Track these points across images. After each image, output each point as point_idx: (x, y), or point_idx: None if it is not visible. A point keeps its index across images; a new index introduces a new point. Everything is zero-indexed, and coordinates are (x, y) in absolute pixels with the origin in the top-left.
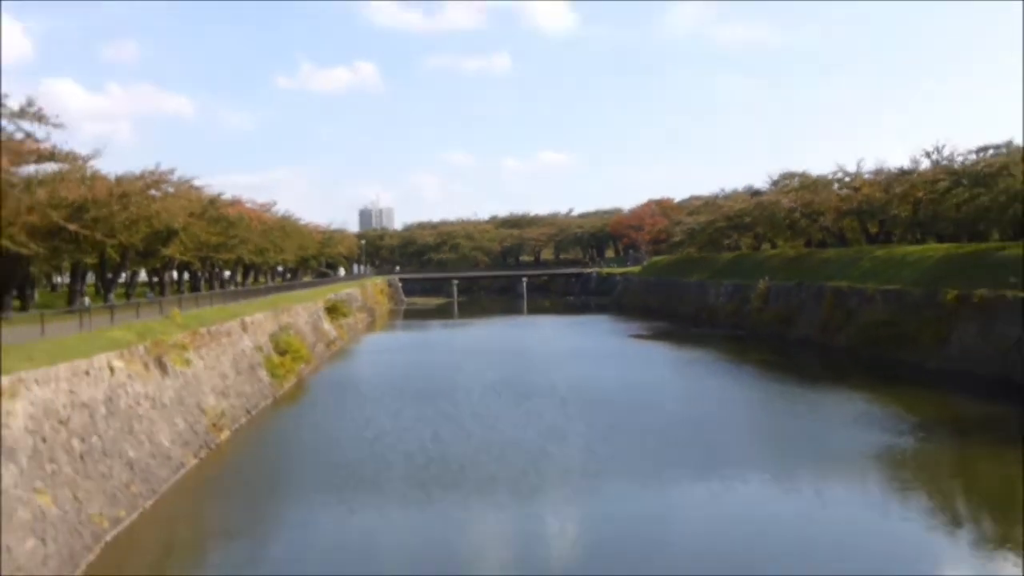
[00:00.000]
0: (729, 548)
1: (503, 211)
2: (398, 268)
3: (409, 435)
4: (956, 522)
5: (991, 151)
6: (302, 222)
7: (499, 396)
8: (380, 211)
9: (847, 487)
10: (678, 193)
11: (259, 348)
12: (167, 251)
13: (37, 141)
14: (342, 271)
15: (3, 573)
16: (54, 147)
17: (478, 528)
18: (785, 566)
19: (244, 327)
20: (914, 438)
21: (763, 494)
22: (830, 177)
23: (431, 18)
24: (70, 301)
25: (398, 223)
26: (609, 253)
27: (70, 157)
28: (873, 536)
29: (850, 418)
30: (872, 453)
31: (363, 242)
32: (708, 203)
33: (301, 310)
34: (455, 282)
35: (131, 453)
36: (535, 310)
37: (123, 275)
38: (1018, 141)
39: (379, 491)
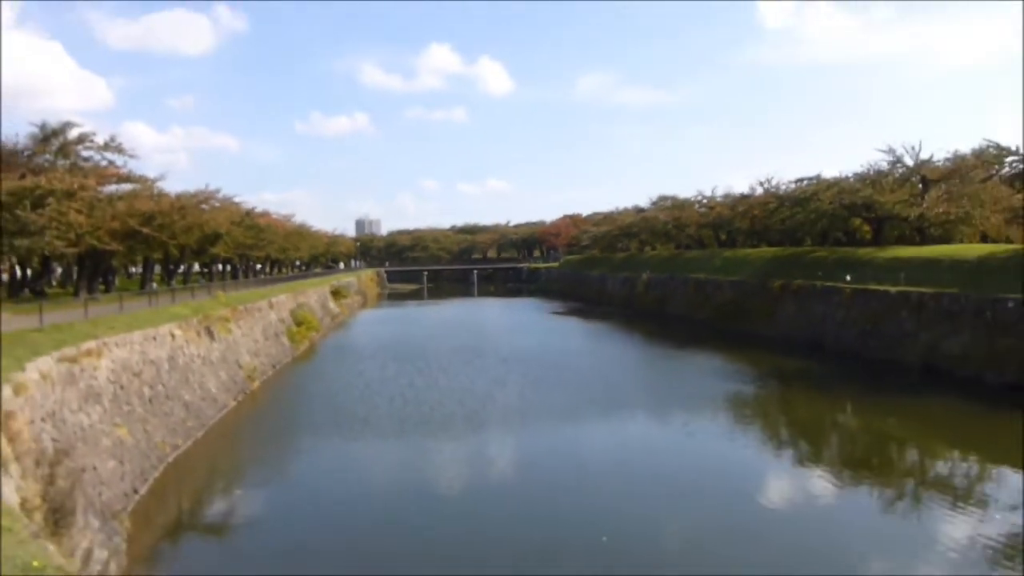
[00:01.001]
0: (622, 463)
1: (460, 222)
2: (387, 264)
3: (391, 384)
4: (781, 445)
5: (805, 181)
6: (313, 229)
7: (457, 355)
8: (371, 221)
9: (706, 421)
10: (585, 210)
11: (282, 320)
12: (214, 249)
13: (117, 167)
14: (342, 265)
15: (89, 487)
16: (130, 172)
17: (442, 450)
18: (662, 474)
19: (271, 305)
20: (753, 385)
21: (647, 427)
22: (693, 199)
23: (408, 82)
24: (142, 286)
25: (384, 230)
26: (536, 253)
27: (142, 179)
28: (723, 455)
29: (708, 371)
30: (724, 397)
31: (358, 244)
32: (607, 218)
33: (313, 293)
34: (425, 273)
35: (187, 397)
36: (483, 294)
37: (182, 267)
38: (826, 174)
39: (368, 425)
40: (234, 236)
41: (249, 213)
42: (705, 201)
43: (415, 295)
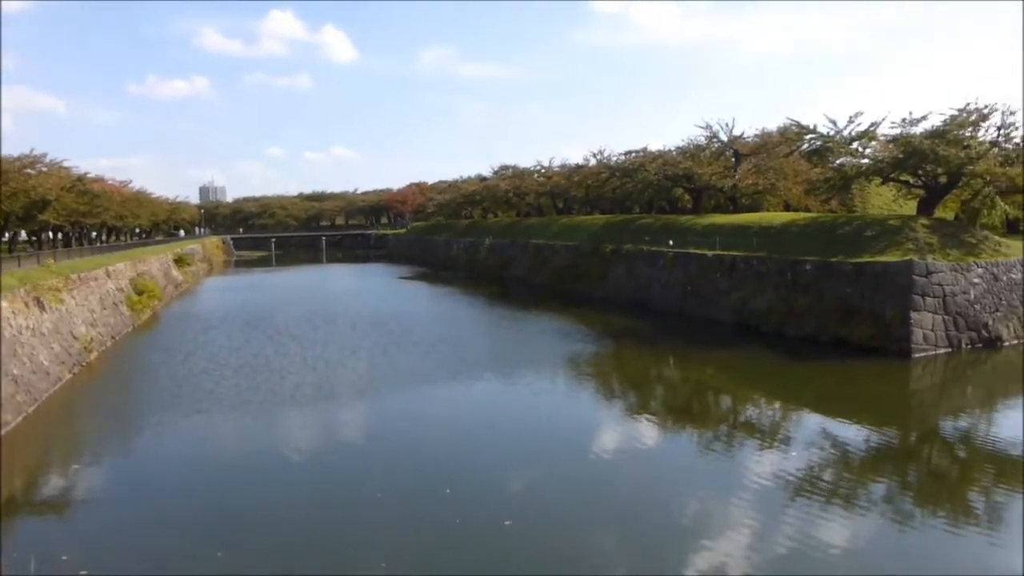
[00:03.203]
0: (470, 422)
1: (307, 189)
2: (241, 231)
3: (239, 353)
4: (614, 397)
5: (633, 154)
6: (154, 196)
7: (307, 322)
8: (215, 188)
9: (548, 380)
10: (431, 178)
11: (121, 289)
12: (43, 217)
13: None
14: (182, 233)
15: None
16: None
17: (293, 419)
18: (507, 430)
19: (108, 274)
20: (588, 344)
21: (493, 387)
22: (532, 169)
23: (249, 47)
24: None
25: (230, 197)
26: (384, 220)
27: None
28: (563, 410)
29: (548, 331)
30: (563, 355)
31: (203, 211)
32: (451, 186)
33: (154, 260)
34: (273, 240)
35: (16, 371)
36: (332, 260)
37: (6, 235)
38: (651, 147)
39: (215, 397)
40: (65, 203)
41: (81, 179)
42: (543, 171)
43: (263, 262)
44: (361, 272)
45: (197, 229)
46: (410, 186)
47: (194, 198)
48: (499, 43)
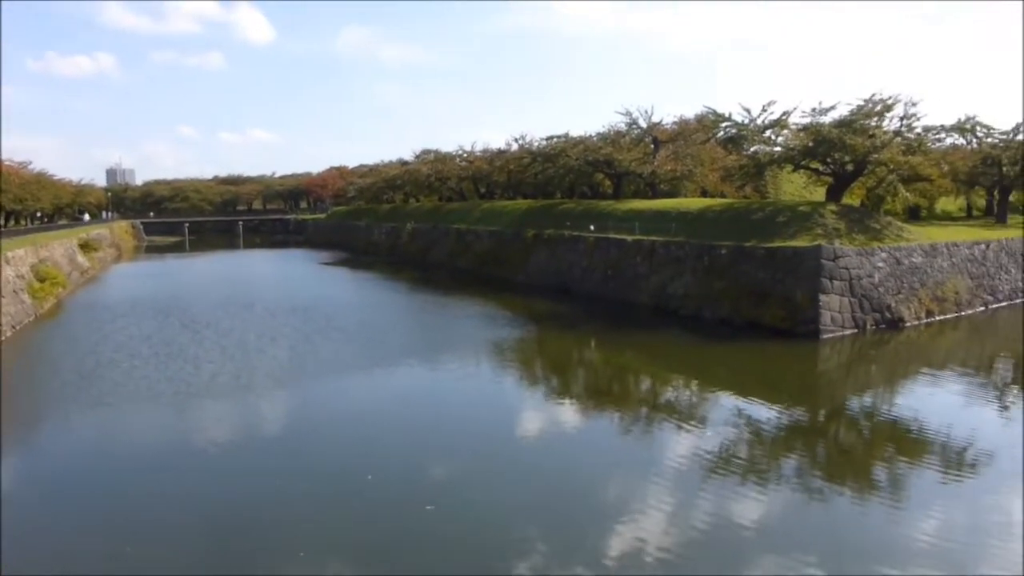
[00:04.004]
0: (395, 408)
1: (223, 172)
2: (151, 215)
3: (150, 343)
4: (536, 381)
5: (555, 139)
6: (56, 178)
7: (223, 309)
8: (123, 171)
9: (472, 365)
10: (351, 162)
11: (21, 276)
12: None
13: None
14: (87, 217)
15: None
16: None
17: (209, 411)
18: (433, 417)
19: (7, 260)
20: (511, 329)
21: (417, 372)
22: (454, 153)
23: (157, 23)
24: None
25: (139, 180)
26: (304, 205)
27: None
28: (487, 397)
29: (471, 316)
30: (485, 340)
31: (110, 195)
32: (372, 170)
33: (58, 246)
34: (186, 225)
35: None
36: (249, 246)
37: None
38: (573, 133)
39: (124, 389)
40: None
41: None
42: (465, 155)
43: (176, 248)
44: (280, 258)
45: (104, 213)
46: (330, 170)
47: (100, 181)
48: (422, 25)
